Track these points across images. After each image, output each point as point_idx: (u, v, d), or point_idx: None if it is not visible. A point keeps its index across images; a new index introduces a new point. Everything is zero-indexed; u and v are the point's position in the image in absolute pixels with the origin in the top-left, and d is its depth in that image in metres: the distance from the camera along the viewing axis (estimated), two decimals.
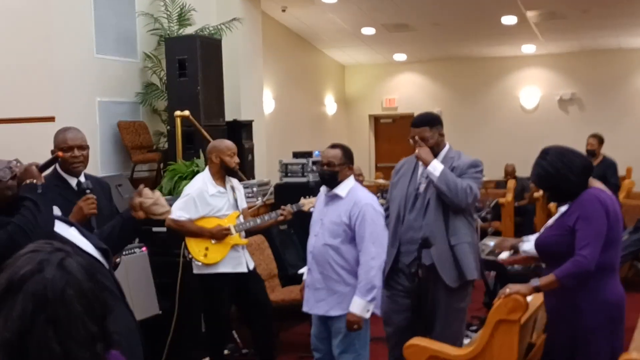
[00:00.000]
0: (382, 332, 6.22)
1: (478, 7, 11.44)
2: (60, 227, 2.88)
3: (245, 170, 8.40)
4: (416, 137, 4.34)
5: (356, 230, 4.14)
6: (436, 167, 4.23)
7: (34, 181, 2.99)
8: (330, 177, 4.29)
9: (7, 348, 1.58)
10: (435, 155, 4.36)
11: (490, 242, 6.56)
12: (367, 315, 4.11)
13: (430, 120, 4.43)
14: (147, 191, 3.32)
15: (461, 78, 14.81)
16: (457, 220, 4.31)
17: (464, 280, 4.26)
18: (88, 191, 3.91)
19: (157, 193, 3.35)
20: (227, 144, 5.32)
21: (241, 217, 5.30)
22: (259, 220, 5.33)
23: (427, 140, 4.34)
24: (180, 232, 5.21)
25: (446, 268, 4.23)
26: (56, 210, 3.08)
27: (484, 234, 7.73)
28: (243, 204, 5.42)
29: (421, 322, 4.34)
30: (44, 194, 2.97)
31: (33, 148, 5.81)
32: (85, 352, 1.62)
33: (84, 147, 4.08)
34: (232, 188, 5.31)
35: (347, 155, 4.34)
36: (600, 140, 8.79)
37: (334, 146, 4.40)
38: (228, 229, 5.15)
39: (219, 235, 5.13)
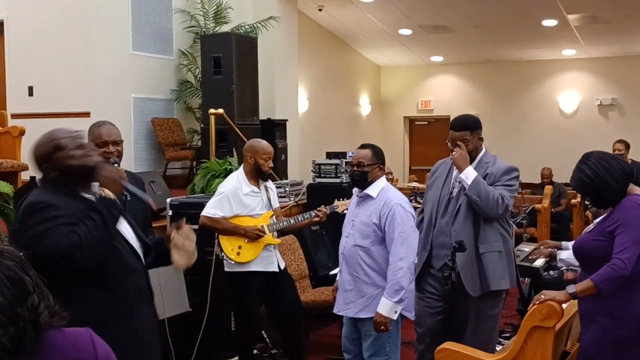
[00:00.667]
0: (413, 336, 6.16)
1: (519, 9, 11.30)
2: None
3: (277, 170, 8.35)
4: (457, 142, 4.27)
5: (386, 231, 4.08)
6: (469, 174, 4.15)
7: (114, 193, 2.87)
8: (361, 177, 4.23)
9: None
10: (472, 159, 4.30)
11: (525, 248, 6.45)
12: (395, 317, 4.03)
13: (472, 124, 4.37)
14: (185, 230, 3.11)
15: (499, 81, 14.64)
16: (488, 227, 4.25)
17: (487, 290, 4.21)
18: (115, 165, 3.89)
19: (192, 238, 3.12)
20: (264, 146, 5.24)
21: (274, 217, 5.25)
22: (292, 221, 5.29)
23: (467, 144, 4.28)
24: (214, 230, 5.17)
25: (469, 276, 4.17)
26: None
27: (519, 240, 7.59)
28: (276, 203, 5.38)
29: (452, 327, 4.27)
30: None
31: None
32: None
33: (118, 143, 4.05)
34: (266, 188, 5.26)
35: (378, 155, 4.27)
36: (627, 146, 8.80)
37: (363, 146, 4.34)
38: (262, 230, 5.11)
39: (253, 235, 5.09)
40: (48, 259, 2.60)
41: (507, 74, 14.56)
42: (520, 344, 3.20)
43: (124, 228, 2.94)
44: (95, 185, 2.89)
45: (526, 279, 6.55)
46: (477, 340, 4.05)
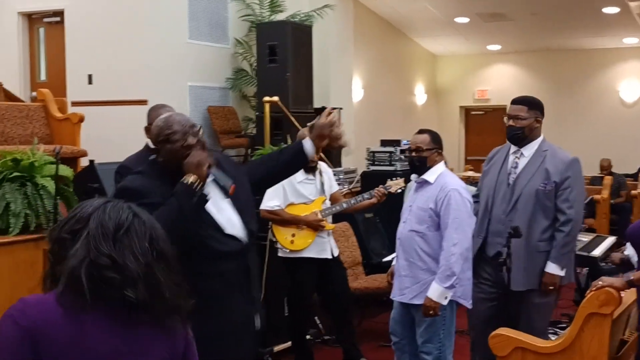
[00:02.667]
0: (465, 325, 6.10)
1: None
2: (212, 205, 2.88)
3: (331, 158, 8.36)
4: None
5: (441, 216, 4.04)
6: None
7: (197, 179, 2.83)
8: (420, 162, 4.19)
9: (142, 282, 1.68)
10: (528, 142, 4.27)
11: (584, 238, 6.34)
12: (444, 302, 3.98)
13: (531, 102, 4.35)
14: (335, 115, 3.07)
15: (557, 70, 14.35)
16: (546, 223, 4.22)
17: (531, 286, 4.18)
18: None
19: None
20: None
21: (327, 202, 5.25)
22: (345, 205, 5.26)
23: (521, 120, 4.25)
24: (275, 222, 5.19)
25: (515, 269, 4.11)
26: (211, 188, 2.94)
27: None
28: (333, 187, 5.35)
29: (506, 314, 4.23)
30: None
31: (125, 129, 5.95)
32: (180, 299, 1.75)
33: None
34: (320, 173, 5.26)
35: (436, 140, 4.23)
36: None
37: (421, 131, 4.30)
38: (323, 222, 5.11)
39: (315, 226, 5.10)
40: None
41: (566, 63, 14.26)
42: (576, 331, 3.14)
43: (224, 212, 2.91)
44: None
45: (583, 269, 6.44)
46: (530, 328, 3.99)
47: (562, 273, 4.18)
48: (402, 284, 4.20)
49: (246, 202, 3.00)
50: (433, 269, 4.06)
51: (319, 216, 5.13)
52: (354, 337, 5.47)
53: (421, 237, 4.10)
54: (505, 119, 4.34)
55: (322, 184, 5.23)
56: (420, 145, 4.18)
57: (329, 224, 5.23)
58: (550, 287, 4.16)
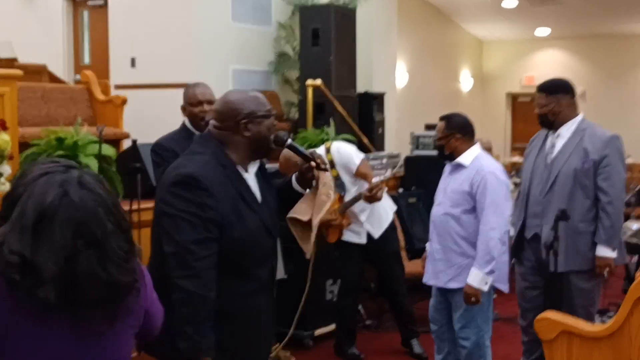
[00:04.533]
0: (509, 312, 5.99)
1: None
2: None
3: (375, 142, 8.28)
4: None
5: (477, 199, 3.95)
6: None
7: None
8: (439, 149, 4.20)
9: (57, 281, 1.55)
10: (561, 123, 4.26)
11: (633, 226, 6.19)
12: (485, 288, 3.90)
13: (549, 88, 4.33)
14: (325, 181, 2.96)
15: (608, 56, 13.99)
16: (587, 203, 4.15)
17: (571, 267, 4.13)
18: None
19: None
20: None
21: (346, 178, 5.19)
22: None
23: (542, 107, 4.26)
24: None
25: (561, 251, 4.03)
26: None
27: (626, 219, 7.28)
28: (351, 165, 5.13)
29: (550, 299, 4.17)
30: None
31: (168, 112, 5.95)
32: (124, 275, 1.63)
33: (212, 102, 4.07)
34: (333, 165, 5.21)
35: (451, 125, 4.12)
36: None
37: (440, 118, 4.24)
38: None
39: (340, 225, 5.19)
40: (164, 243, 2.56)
41: (617, 50, 13.89)
42: (625, 314, 3.00)
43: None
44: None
45: (633, 257, 6.27)
46: (573, 313, 3.89)
47: (614, 255, 4.12)
48: (436, 268, 4.14)
49: (273, 205, 2.87)
50: (468, 252, 3.99)
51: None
52: (409, 317, 5.51)
53: (456, 221, 4.03)
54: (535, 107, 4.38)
55: (337, 178, 5.08)
56: (437, 133, 4.19)
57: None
58: (606, 270, 4.10)
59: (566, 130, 4.25)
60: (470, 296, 3.90)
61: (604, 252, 4.10)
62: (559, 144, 4.26)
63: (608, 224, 4.09)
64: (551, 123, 4.27)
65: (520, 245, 4.37)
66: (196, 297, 2.47)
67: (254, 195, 2.72)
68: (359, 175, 5.09)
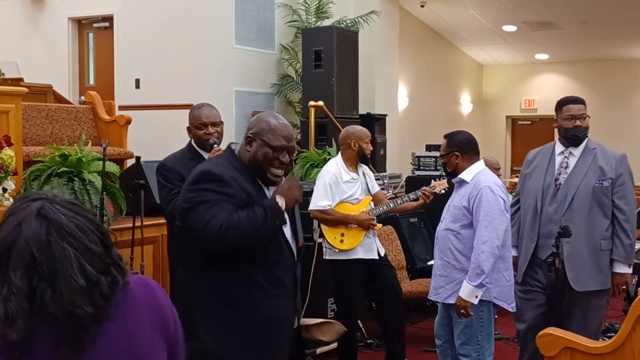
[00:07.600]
0: (512, 331, 5.99)
1: (630, 5, 10.87)
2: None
3: (376, 164, 8.32)
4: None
5: (473, 213, 3.99)
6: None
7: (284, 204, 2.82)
8: (443, 167, 4.34)
9: (23, 320, 1.51)
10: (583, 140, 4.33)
11: (636, 246, 6.19)
12: (475, 301, 3.90)
13: (584, 101, 4.39)
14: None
15: (607, 80, 14.08)
16: (606, 221, 4.19)
17: (592, 287, 4.14)
18: (215, 145, 3.95)
19: None
20: (365, 130, 5.28)
21: (372, 202, 5.21)
22: (391, 205, 5.21)
23: (586, 118, 4.28)
24: (326, 222, 5.15)
25: (575, 270, 4.10)
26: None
27: None
28: (374, 187, 5.32)
29: (556, 319, 4.14)
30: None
31: (172, 133, 6.02)
32: (84, 306, 1.52)
33: (217, 124, 4.12)
34: (364, 174, 5.24)
35: (452, 142, 4.19)
36: None
37: (444, 137, 4.30)
38: (374, 220, 5.07)
39: (366, 224, 5.06)
40: (192, 229, 2.68)
41: (616, 73, 14.00)
42: (627, 331, 3.03)
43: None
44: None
45: (633, 277, 6.28)
46: (583, 329, 3.91)
47: (630, 271, 4.22)
48: (437, 284, 4.17)
49: (297, 214, 3.04)
50: (467, 268, 3.99)
51: (369, 215, 5.10)
52: (402, 338, 5.41)
53: (455, 236, 4.06)
54: (564, 121, 4.29)
55: (367, 185, 5.20)
56: (440, 151, 4.29)
57: (377, 223, 5.20)
58: (623, 287, 4.19)
59: (578, 150, 4.29)
60: (460, 308, 3.91)
61: (622, 269, 4.16)
62: (572, 162, 4.28)
63: (628, 241, 4.14)
64: (582, 139, 4.30)
65: (533, 265, 4.33)
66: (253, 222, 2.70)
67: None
68: (376, 199, 5.24)
